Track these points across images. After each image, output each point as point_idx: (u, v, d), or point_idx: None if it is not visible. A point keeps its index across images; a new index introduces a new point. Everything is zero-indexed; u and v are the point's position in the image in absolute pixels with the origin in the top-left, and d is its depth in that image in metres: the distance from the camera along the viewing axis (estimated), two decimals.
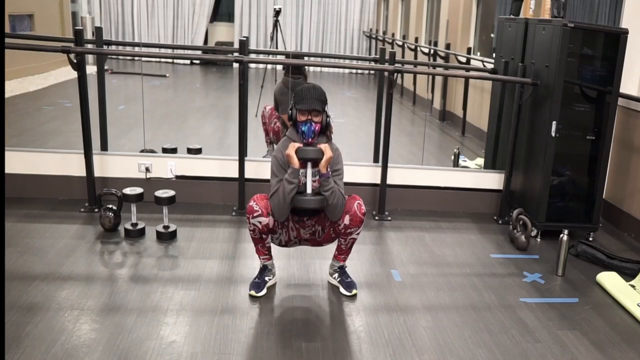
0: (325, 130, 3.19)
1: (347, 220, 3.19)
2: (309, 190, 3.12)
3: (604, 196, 4.61)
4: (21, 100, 7.21)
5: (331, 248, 3.47)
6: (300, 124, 3.10)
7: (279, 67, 6.87)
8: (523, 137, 4.62)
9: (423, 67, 8.12)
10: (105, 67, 5.08)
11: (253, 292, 3.28)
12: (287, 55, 7.04)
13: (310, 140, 3.10)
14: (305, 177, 3.12)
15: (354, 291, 3.36)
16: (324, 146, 3.09)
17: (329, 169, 3.10)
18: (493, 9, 7.36)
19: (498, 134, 5.07)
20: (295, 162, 3.05)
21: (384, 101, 4.71)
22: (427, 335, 3.01)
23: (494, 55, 6.07)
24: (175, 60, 10.03)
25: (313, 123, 3.09)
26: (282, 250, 3.83)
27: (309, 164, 3.10)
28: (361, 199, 3.24)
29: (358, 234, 3.28)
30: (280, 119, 5.53)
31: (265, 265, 3.38)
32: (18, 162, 4.53)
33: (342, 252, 3.39)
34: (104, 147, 4.92)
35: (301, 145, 3.09)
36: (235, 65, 4.40)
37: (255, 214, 3.12)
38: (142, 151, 5.10)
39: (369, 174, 4.77)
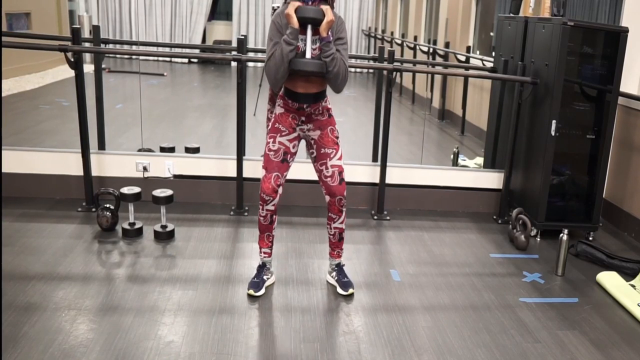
0: None
1: (327, 199, 3.24)
2: (308, 55, 2.97)
3: (604, 195, 4.60)
4: (18, 99, 7.20)
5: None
6: None
7: None
8: (523, 136, 4.61)
9: (422, 65, 8.11)
10: (103, 66, 5.06)
11: (252, 292, 3.26)
12: None
13: (310, 3, 2.96)
14: (305, 42, 2.97)
15: (350, 290, 3.35)
16: (325, 7, 2.94)
17: (329, 33, 2.96)
18: (492, 7, 7.35)
19: (497, 133, 5.06)
20: (295, 22, 2.90)
21: (383, 100, 4.69)
22: (426, 336, 3.00)
23: (493, 53, 6.06)
24: (173, 59, 10.04)
25: None
26: (281, 250, 3.82)
27: (309, 28, 2.95)
28: (344, 192, 3.23)
29: (341, 223, 3.30)
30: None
31: (264, 263, 3.37)
32: (15, 162, 4.51)
33: (334, 246, 3.39)
34: (101, 146, 4.90)
35: (301, 4, 2.94)
36: (234, 64, 4.38)
37: (268, 202, 3.14)
38: (139, 150, 5.09)
39: (368, 174, 4.76)
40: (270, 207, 3.18)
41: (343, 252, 3.48)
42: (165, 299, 3.18)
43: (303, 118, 3.17)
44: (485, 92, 6.17)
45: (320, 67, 2.96)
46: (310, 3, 2.96)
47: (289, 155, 3.20)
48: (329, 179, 3.21)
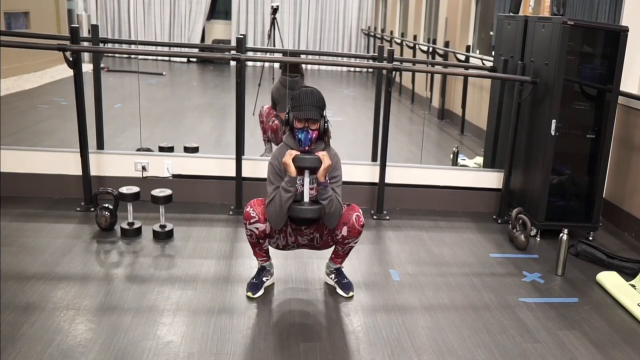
0: (323, 136, 3.12)
1: (344, 231, 3.15)
2: (306, 198, 3.07)
3: (604, 195, 4.60)
4: (17, 99, 7.19)
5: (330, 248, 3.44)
6: (297, 131, 3.04)
7: (277, 65, 6.86)
8: (522, 135, 4.60)
9: (422, 65, 8.11)
10: (102, 65, 5.05)
11: (250, 294, 3.25)
12: (285, 53, 7.03)
13: (307, 148, 3.04)
14: (303, 185, 3.07)
15: (351, 293, 3.34)
16: (322, 154, 3.02)
17: (327, 178, 3.04)
18: (492, 7, 7.35)
19: (497, 132, 5.05)
20: (293, 171, 2.99)
21: (383, 99, 4.68)
22: (425, 336, 2.99)
23: (493, 53, 6.05)
24: (172, 59, 10.03)
25: (310, 131, 3.02)
26: (280, 250, 3.81)
27: (307, 172, 3.04)
28: (360, 210, 3.18)
29: (356, 242, 3.26)
30: (279, 118, 5.51)
31: (264, 266, 3.36)
32: (13, 161, 4.50)
33: (339, 257, 3.37)
34: (100, 145, 4.89)
35: (298, 152, 3.02)
36: (233, 63, 4.38)
37: (252, 220, 3.08)
38: (138, 150, 5.08)
39: (368, 173, 4.75)
40: (254, 228, 3.10)
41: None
42: (164, 299, 3.17)
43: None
44: (485, 91, 6.16)
45: (319, 212, 3.05)
46: (307, 148, 3.04)
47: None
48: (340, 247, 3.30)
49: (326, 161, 3.00)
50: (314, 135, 3.04)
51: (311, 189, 3.07)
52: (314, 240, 3.27)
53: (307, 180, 3.05)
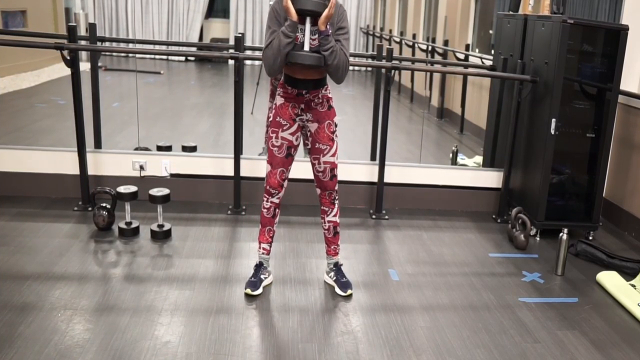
0: None
1: (318, 192, 3.31)
2: (306, 47, 2.94)
3: (604, 194, 4.59)
4: (14, 98, 7.18)
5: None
6: None
7: None
8: (522, 134, 4.59)
9: (421, 64, 8.10)
10: (99, 64, 5.04)
11: (249, 291, 3.24)
12: None
13: None
14: (304, 33, 2.94)
15: (349, 291, 3.33)
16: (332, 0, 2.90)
17: (328, 27, 2.93)
18: (492, 5, 7.33)
19: (497, 131, 5.04)
20: (294, 14, 2.87)
21: (382, 98, 4.67)
22: (425, 336, 2.98)
23: (492, 52, 6.04)
24: (170, 57, 10.01)
25: None
26: (278, 250, 3.80)
27: (308, 19, 2.91)
28: (335, 187, 3.29)
29: (335, 216, 3.33)
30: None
31: (261, 262, 3.35)
32: (10, 160, 4.49)
33: (330, 242, 3.38)
34: (97, 145, 4.88)
35: None
36: (231, 62, 4.36)
37: (273, 194, 3.21)
38: (136, 149, 5.07)
39: (366, 173, 4.74)
40: (275, 199, 3.24)
41: (340, 250, 3.47)
42: (162, 299, 3.16)
43: (302, 106, 3.15)
44: (485, 90, 6.15)
45: (319, 60, 2.94)
46: None
47: (292, 149, 3.22)
48: (320, 174, 3.26)
49: (330, 6, 2.87)
50: None
51: (312, 39, 2.95)
52: (308, 134, 3.22)
53: (308, 26, 2.93)
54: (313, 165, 3.26)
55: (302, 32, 2.95)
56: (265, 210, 3.28)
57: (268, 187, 3.22)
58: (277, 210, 3.29)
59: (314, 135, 3.19)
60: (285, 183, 3.25)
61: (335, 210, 3.34)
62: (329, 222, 3.35)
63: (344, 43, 3.00)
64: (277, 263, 3.64)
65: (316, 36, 2.94)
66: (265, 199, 3.26)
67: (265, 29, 3.05)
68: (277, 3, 3.00)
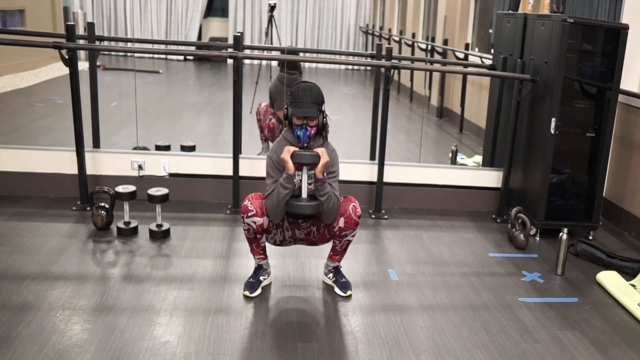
0: (321, 131, 3.12)
1: (341, 222, 3.13)
2: (304, 194, 3.07)
3: (604, 194, 4.57)
4: (12, 97, 7.17)
5: (327, 247, 3.42)
6: (296, 127, 3.04)
7: (274, 63, 6.84)
8: (522, 134, 4.58)
9: (420, 63, 8.09)
10: (98, 63, 5.03)
11: (247, 293, 3.23)
12: (282, 51, 7.00)
13: (305, 144, 3.05)
14: (301, 180, 3.07)
15: (349, 292, 3.32)
16: (320, 151, 3.01)
17: (325, 174, 3.04)
18: (491, 4, 7.33)
19: (496, 131, 5.04)
20: (291, 167, 2.98)
21: (381, 98, 4.66)
22: (424, 336, 2.97)
23: (492, 51, 6.04)
24: (169, 57, 10.01)
25: (309, 127, 3.03)
26: (278, 250, 3.79)
27: (305, 168, 3.05)
28: (356, 201, 3.18)
29: (353, 236, 3.23)
30: (276, 116, 5.48)
31: (260, 265, 3.33)
32: (9, 160, 4.48)
33: (337, 253, 3.34)
34: (96, 144, 4.87)
35: (297, 149, 3.02)
36: (230, 61, 4.35)
37: (249, 214, 3.06)
38: (135, 148, 5.06)
39: (366, 172, 4.73)
40: (251, 222, 3.08)
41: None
42: (160, 299, 3.15)
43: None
44: (484, 89, 6.14)
45: (316, 208, 3.05)
46: (305, 144, 3.04)
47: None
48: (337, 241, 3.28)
49: (324, 157, 3.00)
50: (312, 132, 3.05)
51: (309, 184, 3.07)
52: (311, 234, 3.25)
53: (305, 176, 3.06)
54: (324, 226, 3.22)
55: (299, 179, 3.07)
56: (245, 231, 3.14)
57: (246, 203, 3.07)
58: (258, 235, 3.16)
59: (318, 226, 3.23)
60: (266, 221, 3.09)
61: (356, 231, 3.22)
62: (345, 240, 3.25)
63: (334, 185, 3.11)
64: (276, 263, 3.63)
65: (312, 179, 3.05)
66: (241, 219, 3.10)
67: (265, 176, 3.14)
68: (275, 154, 3.08)
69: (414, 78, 8.53)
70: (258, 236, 3.17)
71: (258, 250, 3.26)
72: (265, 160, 3.14)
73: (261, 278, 3.32)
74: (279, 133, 3.22)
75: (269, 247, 3.35)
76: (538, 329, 3.10)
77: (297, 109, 3.00)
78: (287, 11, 9.54)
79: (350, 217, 3.12)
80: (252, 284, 3.27)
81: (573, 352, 2.91)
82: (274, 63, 6.86)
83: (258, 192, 3.18)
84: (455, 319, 3.16)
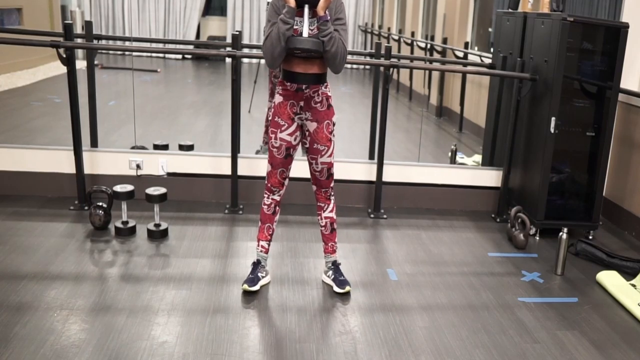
0: None
1: (314, 188, 3.31)
2: (305, 34, 2.95)
3: (604, 194, 4.57)
4: (9, 96, 7.16)
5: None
6: None
7: None
8: (521, 133, 4.57)
9: (419, 62, 8.08)
10: (96, 62, 5.02)
11: (246, 286, 3.22)
12: None
13: None
14: (302, 21, 2.96)
15: (347, 288, 3.31)
16: None
17: (327, 12, 2.95)
18: (491, 3, 7.32)
19: (496, 130, 5.03)
20: (292, 1, 2.90)
21: (380, 97, 4.65)
22: (423, 336, 2.96)
23: (491, 49, 6.02)
24: (167, 55, 10.00)
25: None
26: (276, 250, 3.78)
27: (306, 7, 2.93)
28: (331, 185, 3.29)
29: (331, 212, 3.33)
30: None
31: (259, 260, 3.33)
32: (6, 159, 4.46)
33: (327, 239, 3.38)
34: (94, 143, 4.86)
35: None
36: (228, 60, 4.34)
37: (274, 191, 3.25)
38: (133, 148, 5.05)
39: (365, 171, 4.72)
40: (276, 196, 3.28)
41: (338, 249, 3.45)
42: (158, 299, 3.13)
43: (302, 104, 3.13)
44: (484, 88, 6.14)
45: (318, 45, 2.94)
46: None
47: (291, 149, 3.22)
48: (317, 173, 3.27)
49: None
50: None
51: (311, 29, 2.97)
52: (307, 134, 3.20)
53: (306, 14, 2.95)
54: (310, 164, 3.26)
55: (300, 22, 2.97)
56: (265, 207, 3.30)
57: (269, 185, 3.25)
58: (277, 207, 3.31)
59: (313, 135, 3.18)
60: (286, 182, 3.28)
61: (331, 206, 3.34)
62: (325, 218, 3.35)
63: (342, 33, 3.02)
64: (274, 262, 3.62)
65: (315, 24, 2.97)
66: (266, 195, 3.28)
67: (264, 25, 3.08)
68: None
69: (413, 77, 8.52)
70: (277, 208, 3.29)
71: (267, 234, 3.33)
72: (267, 8, 3.05)
73: (260, 275, 3.31)
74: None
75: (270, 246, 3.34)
76: (538, 329, 3.09)
77: None
78: None
79: (320, 193, 3.31)
80: (251, 278, 3.27)
81: (573, 352, 2.90)
82: None
83: (267, 168, 3.24)
84: (455, 319, 3.15)
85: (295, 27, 2.96)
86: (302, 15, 2.96)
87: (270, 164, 3.23)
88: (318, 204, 3.36)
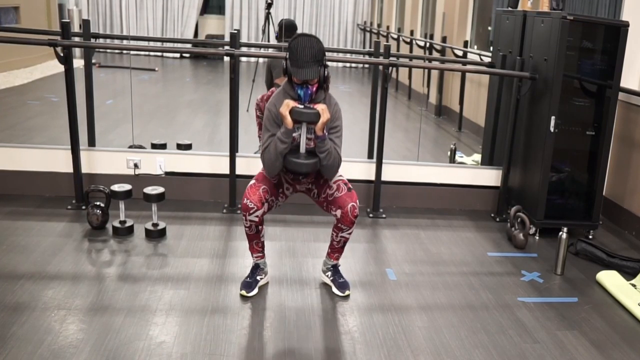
0: (322, 84, 2.96)
1: (338, 214, 3.07)
2: (302, 150, 2.95)
3: (604, 193, 4.56)
4: (6, 95, 7.16)
5: (325, 246, 3.40)
6: (296, 86, 2.91)
7: None
8: (521, 132, 4.56)
9: (419, 60, 8.08)
10: (93, 61, 5.00)
11: (244, 292, 3.20)
12: (279, 48, 6.97)
13: (306, 103, 2.91)
14: (300, 136, 2.94)
15: (347, 292, 3.29)
16: (321, 108, 2.87)
17: (325, 131, 2.93)
18: (490, 1, 7.31)
19: (495, 129, 5.02)
20: (289, 122, 2.86)
21: (379, 96, 4.65)
22: (422, 336, 2.95)
23: (491, 48, 6.01)
24: (165, 54, 9.99)
25: (309, 86, 2.90)
26: (275, 249, 3.77)
27: (304, 124, 2.92)
28: (357, 201, 3.09)
29: (349, 233, 3.19)
30: (276, 85, 5.40)
31: (258, 264, 3.31)
32: (3, 158, 4.45)
33: (335, 251, 3.31)
34: (91, 142, 4.85)
35: (296, 103, 2.88)
36: (226, 58, 4.33)
37: (251, 211, 2.97)
38: (130, 147, 5.05)
39: (364, 171, 4.71)
40: (254, 217, 3.00)
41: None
42: (156, 299, 3.12)
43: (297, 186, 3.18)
44: (483, 87, 6.12)
45: (314, 166, 2.95)
46: (307, 102, 2.91)
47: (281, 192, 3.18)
48: (335, 192, 3.09)
49: (325, 115, 2.86)
50: (314, 90, 2.92)
51: (309, 139, 2.96)
52: (312, 193, 3.21)
53: (304, 131, 2.94)
54: (324, 196, 3.13)
55: (298, 135, 2.95)
56: (246, 228, 3.08)
57: (245, 202, 2.96)
58: (259, 227, 3.08)
59: (319, 189, 3.16)
60: (266, 206, 3.02)
61: (352, 228, 3.16)
62: (342, 237, 3.20)
63: (336, 141, 3.01)
64: (273, 262, 3.61)
65: (312, 135, 2.94)
66: (243, 217, 3.02)
67: (262, 129, 3.04)
68: (274, 107, 2.96)
69: (412, 76, 8.50)
70: (260, 227, 3.08)
71: (257, 247, 3.22)
72: (264, 113, 3.02)
73: (258, 277, 3.29)
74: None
75: (267, 246, 3.32)
76: (537, 329, 3.08)
77: (297, 70, 2.85)
78: (284, 8, 9.50)
79: (347, 214, 3.05)
80: (249, 283, 3.24)
81: (573, 352, 2.90)
82: None
83: (251, 182, 3.07)
84: (454, 318, 3.14)
85: (293, 134, 2.93)
86: (299, 126, 2.93)
87: (255, 180, 3.07)
88: (340, 225, 3.13)
